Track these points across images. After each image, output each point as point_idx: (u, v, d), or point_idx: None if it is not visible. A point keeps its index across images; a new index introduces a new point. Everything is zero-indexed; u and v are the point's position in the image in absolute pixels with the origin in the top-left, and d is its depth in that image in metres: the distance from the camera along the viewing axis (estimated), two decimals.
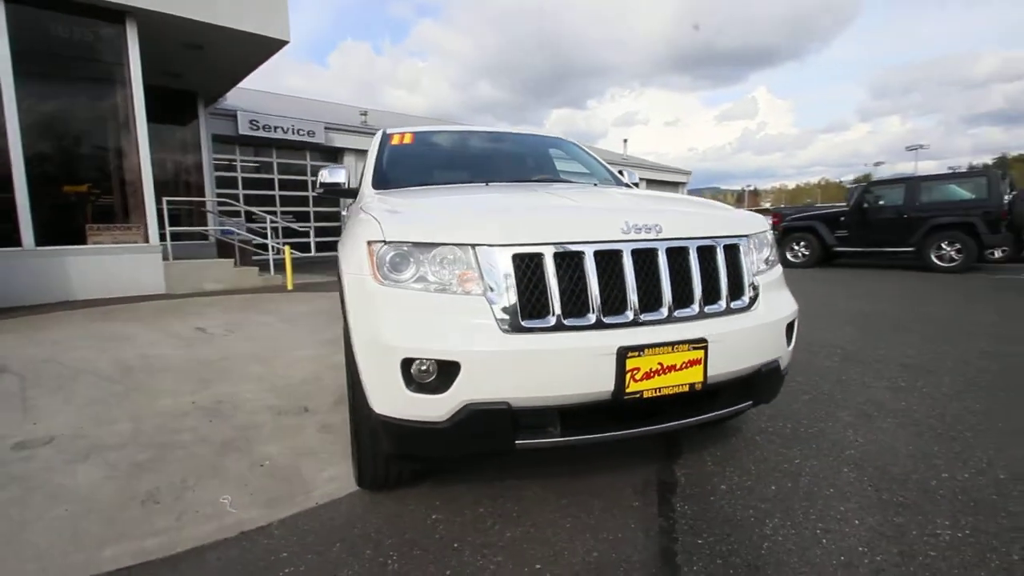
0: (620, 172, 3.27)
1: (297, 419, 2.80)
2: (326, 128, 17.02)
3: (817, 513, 1.83)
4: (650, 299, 1.63)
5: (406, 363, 1.52)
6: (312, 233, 10.85)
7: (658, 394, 1.56)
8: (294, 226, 11.24)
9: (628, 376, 1.52)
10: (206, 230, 9.62)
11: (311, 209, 17.59)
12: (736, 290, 1.78)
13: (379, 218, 1.70)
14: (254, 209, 10.29)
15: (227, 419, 2.80)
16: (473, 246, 1.56)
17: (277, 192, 16.67)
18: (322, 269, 11.55)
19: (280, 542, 1.74)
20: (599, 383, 1.53)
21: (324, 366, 3.77)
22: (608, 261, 1.60)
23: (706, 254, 1.73)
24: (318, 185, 2.90)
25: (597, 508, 1.89)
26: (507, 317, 1.52)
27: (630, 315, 1.59)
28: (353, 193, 2.80)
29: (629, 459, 2.25)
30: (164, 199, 7.44)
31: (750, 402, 1.84)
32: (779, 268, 2.06)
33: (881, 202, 9.69)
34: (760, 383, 1.83)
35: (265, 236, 9.85)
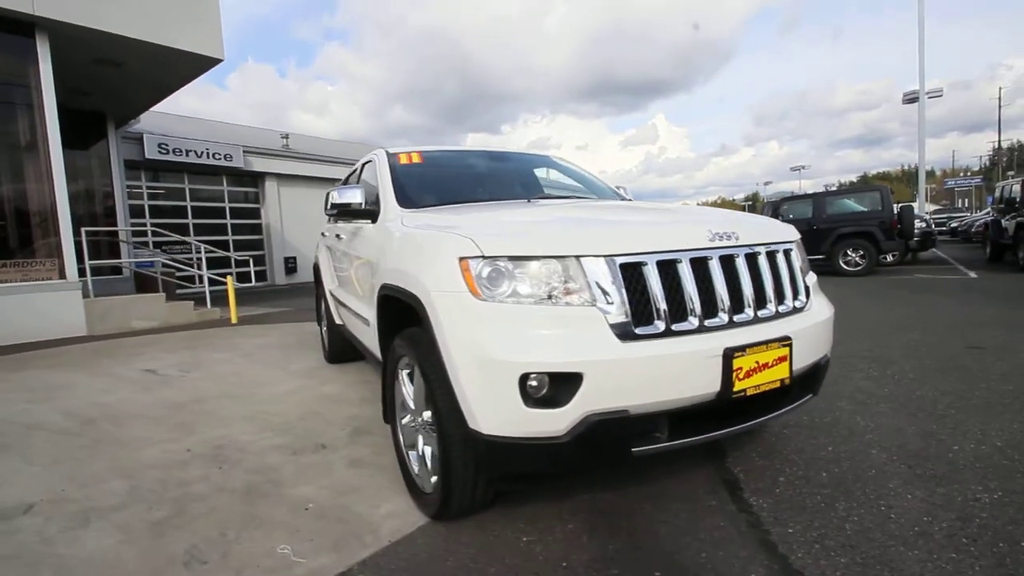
0: (618, 188, 3.41)
1: (318, 457, 2.59)
2: (244, 152, 16.11)
3: (874, 492, 1.99)
4: (735, 302, 1.72)
5: (524, 378, 1.48)
6: (251, 263, 10.16)
7: (758, 391, 1.64)
8: (233, 256, 10.45)
9: (734, 376, 1.59)
10: (128, 262, 8.67)
11: (230, 237, 16.46)
12: (796, 291, 1.93)
13: (468, 234, 1.66)
14: (188, 239, 9.48)
15: (237, 464, 2.54)
16: (578, 257, 1.57)
17: (191, 220, 15.45)
18: (259, 300, 10.80)
19: None
20: (707, 384, 1.58)
21: (314, 399, 3.52)
22: (700, 268, 1.68)
23: (772, 259, 1.87)
24: (328, 206, 2.75)
25: (681, 512, 1.93)
26: (620, 325, 1.54)
27: (725, 318, 1.67)
28: (367, 214, 2.69)
29: (679, 463, 2.31)
30: (83, 230, 6.63)
31: (810, 395, 1.98)
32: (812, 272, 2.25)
33: (792, 216, 10.76)
34: (817, 376, 1.98)
35: (187, 266, 9.08)
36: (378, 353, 2.62)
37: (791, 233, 2.06)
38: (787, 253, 1.95)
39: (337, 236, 3.46)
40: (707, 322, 1.64)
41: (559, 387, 1.49)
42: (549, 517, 1.93)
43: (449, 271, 1.65)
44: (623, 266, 1.58)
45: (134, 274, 8.89)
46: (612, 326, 1.53)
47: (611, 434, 1.52)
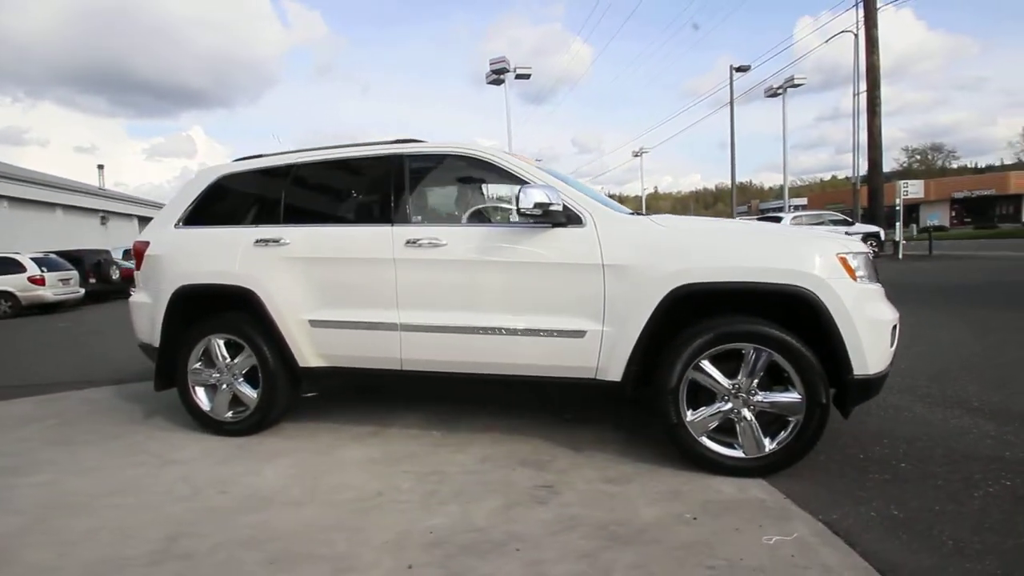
0: None
1: (572, 495, 2.26)
2: None
3: None
4: None
5: (891, 330, 2.30)
6: None
7: None
8: None
9: None
10: None
11: None
12: None
13: (833, 237, 2.32)
14: None
15: (538, 544, 1.94)
16: (856, 254, 2.47)
17: None
18: None
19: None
20: None
21: (374, 468, 2.60)
22: None
23: None
24: (528, 207, 2.28)
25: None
26: None
27: None
28: (562, 218, 2.48)
29: None
30: None
31: None
32: None
33: None
34: None
35: None
36: (580, 362, 2.52)
37: None
38: None
39: (414, 242, 2.64)
40: None
41: (894, 334, 2.38)
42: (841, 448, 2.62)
43: (836, 264, 2.23)
44: None
45: None
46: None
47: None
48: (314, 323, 2.89)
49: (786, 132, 23.38)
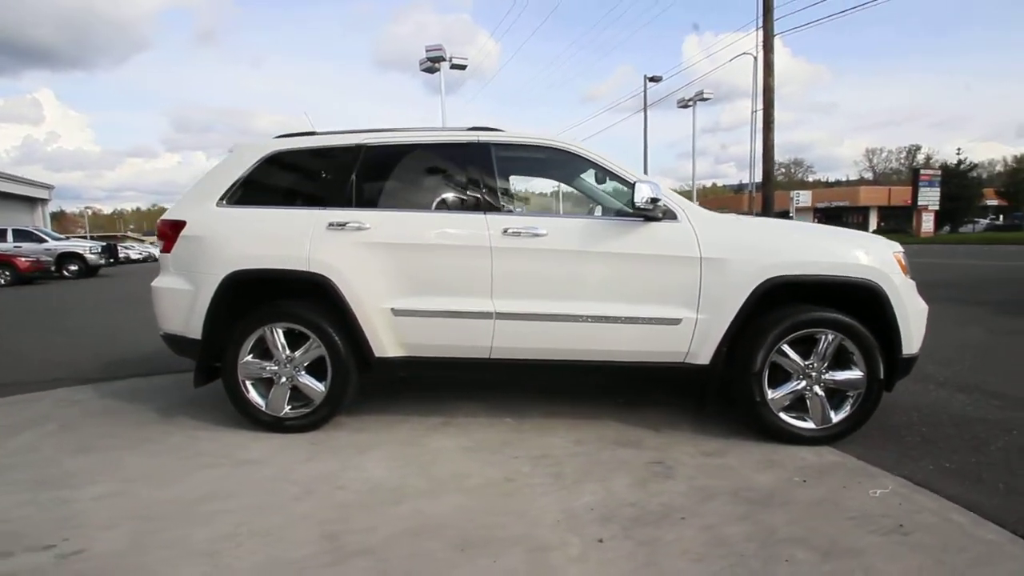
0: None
1: (679, 484, 2.47)
2: None
3: None
4: None
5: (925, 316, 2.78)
6: None
7: None
8: None
9: None
10: None
11: None
12: None
13: (884, 239, 2.72)
14: None
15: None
16: (903, 253, 2.92)
17: None
18: None
19: None
20: None
21: (513, 456, 2.61)
22: None
23: None
24: (642, 201, 2.39)
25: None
26: None
27: None
28: (661, 213, 2.65)
29: None
30: None
31: None
32: None
33: None
34: None
35: None
36: (673, 347, 2.74)
37: None
38: None
39: (512, 231, 2.64)
40: None
41: None
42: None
43: (893, 261, 2.65)
44: None
45: None
46: None
47: None
48: (397, 312, 2.81)
49: (695, 140, 25.80)
